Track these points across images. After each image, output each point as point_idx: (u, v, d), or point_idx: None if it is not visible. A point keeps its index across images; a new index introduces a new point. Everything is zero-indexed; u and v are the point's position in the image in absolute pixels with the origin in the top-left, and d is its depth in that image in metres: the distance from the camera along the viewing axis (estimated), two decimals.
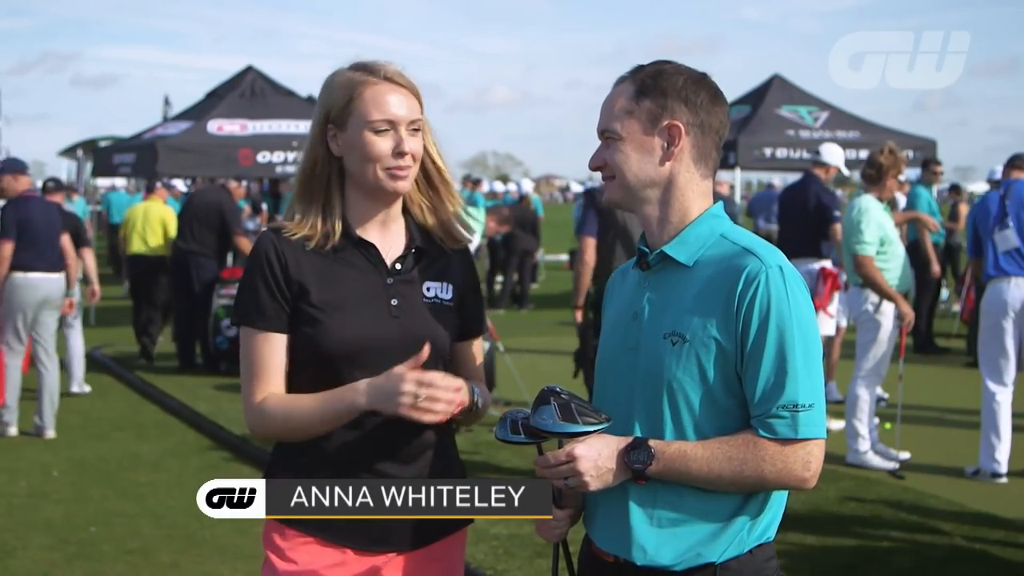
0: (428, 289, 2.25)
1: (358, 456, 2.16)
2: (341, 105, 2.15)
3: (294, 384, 2.18)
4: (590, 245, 6.24)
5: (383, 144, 2.14)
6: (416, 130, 2.18)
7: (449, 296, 2.27)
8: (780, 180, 23.62)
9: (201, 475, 6.72)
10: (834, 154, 8.31)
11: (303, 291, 2.15)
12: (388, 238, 2.23)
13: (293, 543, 2.17)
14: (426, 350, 2.06)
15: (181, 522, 5.83)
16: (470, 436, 7.59)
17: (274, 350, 2.16)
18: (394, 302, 2.19)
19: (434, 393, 2.02)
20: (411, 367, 2.03)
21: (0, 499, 6.26)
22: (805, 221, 8.04)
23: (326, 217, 2.19)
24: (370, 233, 2.21)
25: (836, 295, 7.91)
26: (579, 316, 6.35)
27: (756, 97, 13.65)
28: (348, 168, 2.19)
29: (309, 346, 2.15)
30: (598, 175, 2.15)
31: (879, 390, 7.96)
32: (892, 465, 6.62)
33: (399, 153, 2.15)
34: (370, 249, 2.20)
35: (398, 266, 2.22)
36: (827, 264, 7.95)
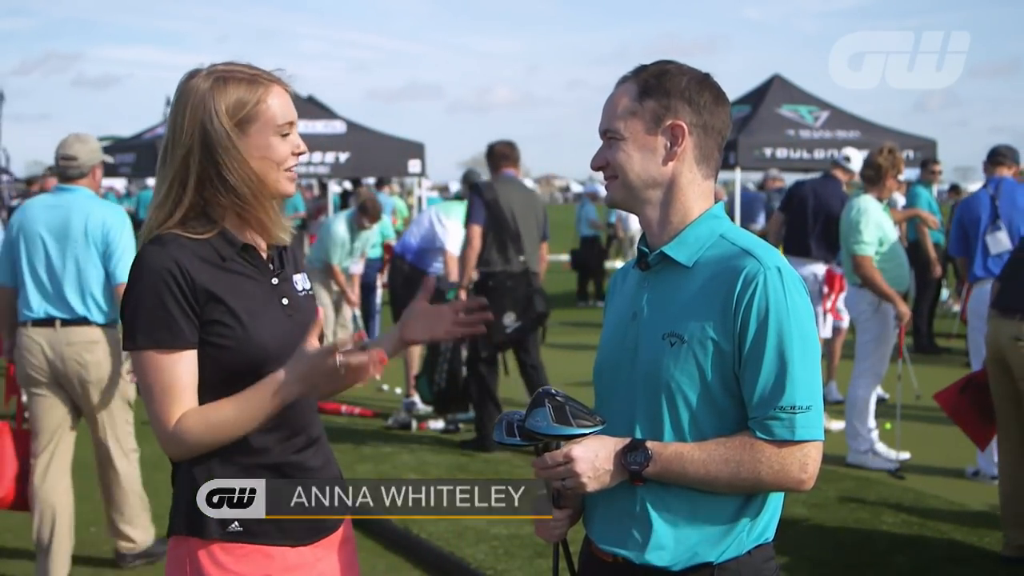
0: (296, 283, 2.28)
1: (279, 452, 2.16)
2: (245, 111, 2.11)
3: (211, 397, 2.10)
4: (478, 233, 6.99)
5: (286, 147, 2.16)
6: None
7: (309, 285, 2.33)
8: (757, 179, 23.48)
9: None
10: (860, 162, 8.18)
11: (216, 301, 2.09)
12: (258, 240, 2.21)
13: (234, 556, 2.13)
14: (320, 319, 2.07)
15: None
16: (470, 436, 7.59)
17: (188, 368, 2.08)
18: (284, 301, 2.20)
19: (354, 356, 1.99)
20: (311, 344, 2.02)
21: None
22: (827, 223, 7.88)
23: (213, 224, 2.15)
24: (248, 237, 2.19)
25: (841, 296, 7.92)
26: (463, 295, 7.08)
27: (756, 97, 13.62)
28: (251, 169, 2.13)
29: (231, 357, 2.10)
30: (599, 175, 2.14)
31: (879, 390, 7.97)
32: (892, 465, 6.62)
33: (297, 153, 2.18)
34: (252, 254, 2.18)
35: (271, 266, 2.22)
36: (832, 266, 7.94)
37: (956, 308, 12.63)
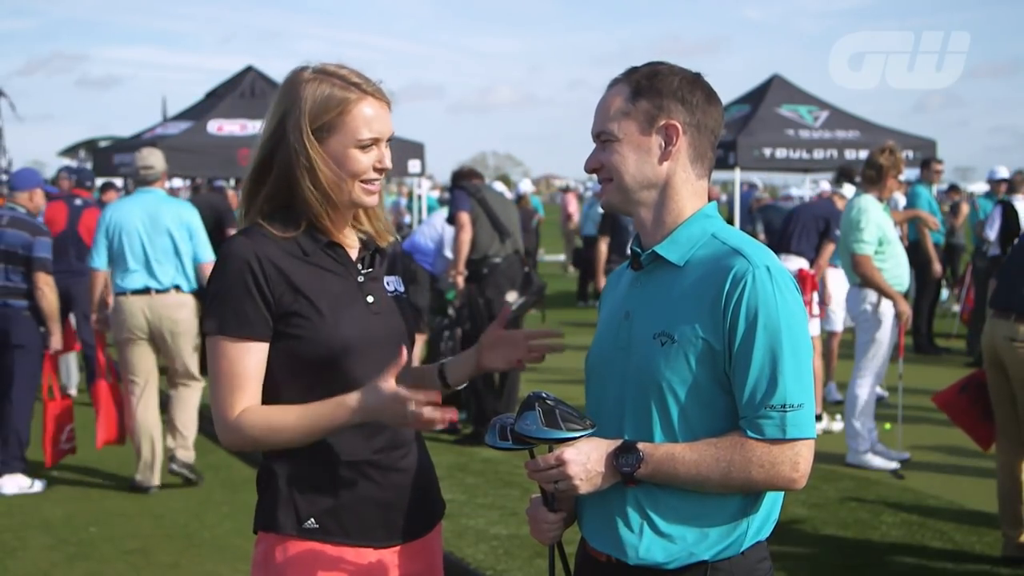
0: (388, 284, 2.28)
1: (360, 450, 2.16)
2: (328, 117, 2.12)
3: (288, 390, 2.14)
4: (467, 219, 7.48)
5: (367, 161, 2.15)
6: (388, 142, 2.20)
7: (403, 288, 2.33)
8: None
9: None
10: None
11: (296, 293, 2.12)
12: (346, 239, 2.23)
13: (308, 553, 2.13)
14: (404, 354, 2.05)
15: (181, 522, 5.83)
16: (468, 433, 7.59)
17: (255, 360, 2.11)
18: (370, 299, 2.21)
19: (427, 411, 1.99)
20: (393, 377, 2.01)
21: (0, 499, 6.26)
22: (812, 221, 8.12)
23: (299, 221, 2.16)
24: (333, 235, 2.21)
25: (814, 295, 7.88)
26: (460, 281, 7.58)
27: (756, 97, 13.61)
28: (318, 176, 2.15)
29: (310, 349, 2.12)
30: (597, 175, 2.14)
31: (879, 390, 7.96)
32: (892, 465, 6.62)
33: (380, 169, 2.17)
34: (337, 251, 2.20)
35: (360, 266, 2.23)
36: (804, 265, 7.91)
37: (956, 308, 12.63)
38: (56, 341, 6.56)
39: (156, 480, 6.41)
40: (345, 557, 2.15)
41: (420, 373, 2.42)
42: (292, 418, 2.08)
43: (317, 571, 2.13)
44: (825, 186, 16.97)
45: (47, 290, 6.44)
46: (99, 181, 11.70)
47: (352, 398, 2.04)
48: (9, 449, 6.44)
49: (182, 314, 6.30)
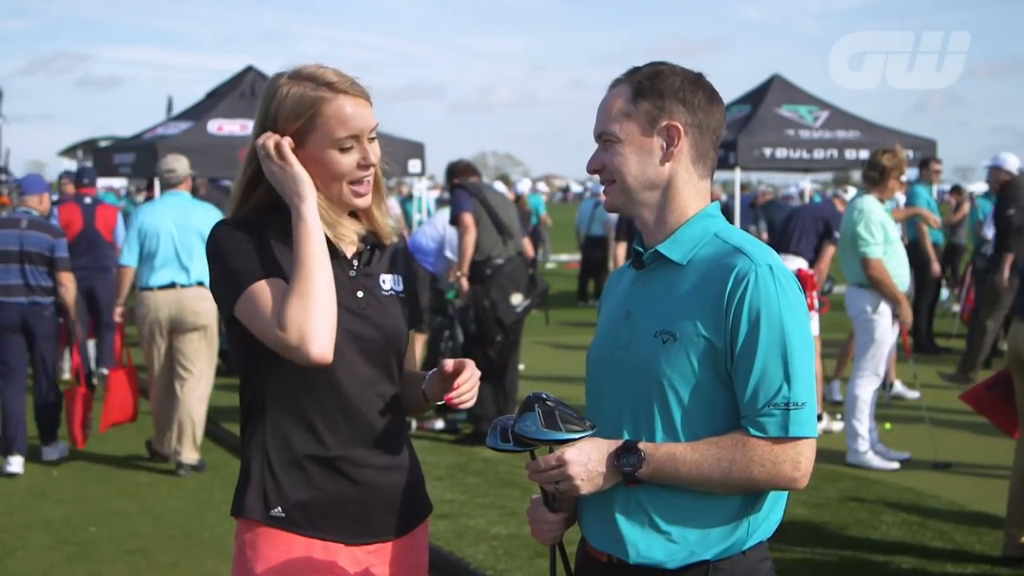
0: (384, 282, 2.25)
1: (335, 446, 2.14)
2: (302, 121, 2.10)
3: (268, 380, 2.13)
4: (471, 220, 7.46)
5: (349, 161, 2.12)
6: (373, 137, 2.17)
7: (401, 288, 2.29)
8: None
9: (201, 475, 6.73)
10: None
11: (279, 276, 2.09)
12: (342, 237, 2.20)
13: (272, 542, 2.14)
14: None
15: (181, 522, 5.83)
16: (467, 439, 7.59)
17: (279, 286, 2.05)
18: (359, 295, 2.18)
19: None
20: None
21: (0, 499, 6.26)
22: (811, 222, 8.20)
23: (287, 218, 2.12)
24: (325, 232, 2.17)
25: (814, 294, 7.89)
26: (464, 283, 7.51)
27: (756, 97, 13.60)
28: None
29: None
30: (598, 175, 2.13)
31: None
32: (892, 465, 6.63)
33: (364, 166, 2.14)
34: (329, 247, 2.17)
35: (355, 262, 2.21)
36: (804, 265, 7.90)
37: (956, 308, 12.63)
38: (78, 329, 7.28)
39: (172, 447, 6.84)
40: (313, 549, 2.13)
41: (410, 379, 2.35)
42: (294, 271, 2.03)
43: (281, 560, 2.12)
44: (805, 184, 17.17)
45: (70, 286, 7.04)
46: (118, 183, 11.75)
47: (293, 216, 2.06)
48: (47, 428, 7.10)
49: (203, 306, 6.67)
